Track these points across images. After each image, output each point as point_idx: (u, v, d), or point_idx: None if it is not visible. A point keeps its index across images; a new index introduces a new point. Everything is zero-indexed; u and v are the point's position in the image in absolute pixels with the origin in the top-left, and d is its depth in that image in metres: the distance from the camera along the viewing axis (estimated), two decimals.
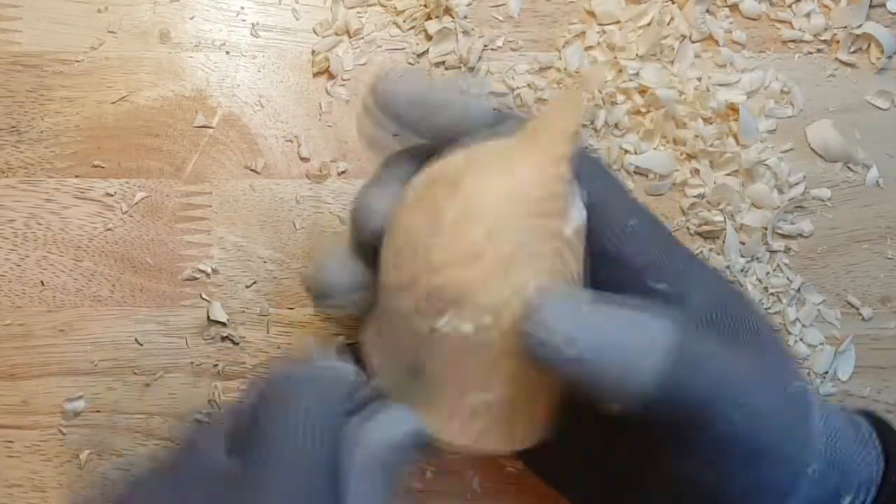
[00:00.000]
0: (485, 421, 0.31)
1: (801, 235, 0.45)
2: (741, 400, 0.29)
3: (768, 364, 0.31)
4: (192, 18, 0.45)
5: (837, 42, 0.46)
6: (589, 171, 0.32)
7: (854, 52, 0.46)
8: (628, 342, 0.28)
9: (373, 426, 0.30)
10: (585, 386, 0.28)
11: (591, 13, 0.46)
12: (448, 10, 0.45)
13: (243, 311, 0.43)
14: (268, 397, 0.29)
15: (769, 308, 0.44)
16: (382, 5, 0.45)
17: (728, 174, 0.44)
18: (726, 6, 0.46)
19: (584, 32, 0.45)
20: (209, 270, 0.43)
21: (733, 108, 0.44)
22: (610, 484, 0.33)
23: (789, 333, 0.44)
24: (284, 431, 0.28)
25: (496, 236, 0.29)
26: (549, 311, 0.28)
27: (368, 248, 0.33)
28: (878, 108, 0.46)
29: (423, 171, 0.32)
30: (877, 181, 0.45)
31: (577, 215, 0.31)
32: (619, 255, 0.32)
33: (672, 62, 0.45)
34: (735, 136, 0.44)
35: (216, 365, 0.43)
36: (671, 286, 0.31)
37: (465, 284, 0.29)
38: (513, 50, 0.45)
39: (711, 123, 0.44)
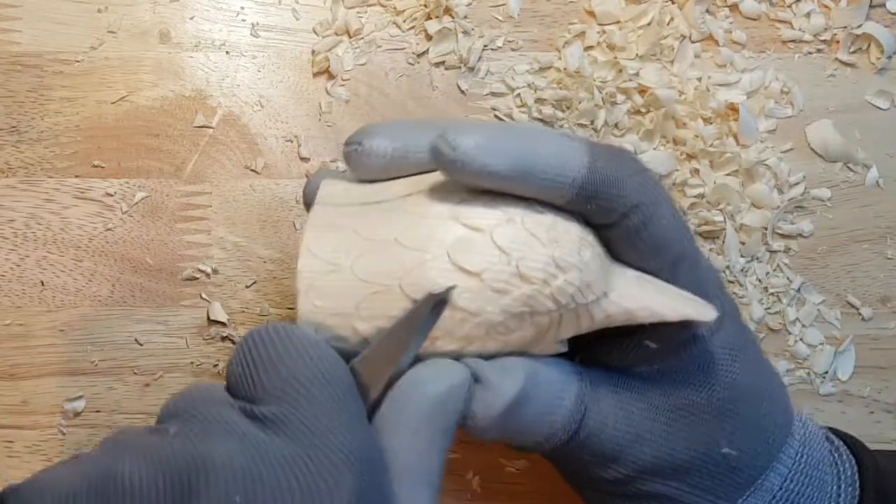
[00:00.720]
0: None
1: (801, 235, 0.45)
2: (632, 458, 0.32)
3: (700, 431, 0.33)
4: (192, 18, 0.45)
5: (837, 42, 0.46)
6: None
7: (854, 52, 0.46)
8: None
9: (417, 377, 0.29)
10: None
11: (591, 13, 0.46)
12: (448, 10, 0.45)
13: (243, 311, 0.43)
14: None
15: (769, 308, 0.44)
16: (382, 5, 0.45)
17: (728, 174, 0.44)
18: (726, 6, 0.46)
19: (584, 32, 0.45)
20: (209, 270, 0.43)
21: (733, 108, 0.44)
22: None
23: (789, 333, 0.44)
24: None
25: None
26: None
27: None
28: (877, 108, 0.46)
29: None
30: (877, 181, 0.45)
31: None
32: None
33: (672, 62, 0.45)
34: (735, 136, 0.44)
35: (216, 365, 0.43)
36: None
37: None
38: (513, 50, 0.45)
39: (711, 123, 0.44)
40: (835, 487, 0.34)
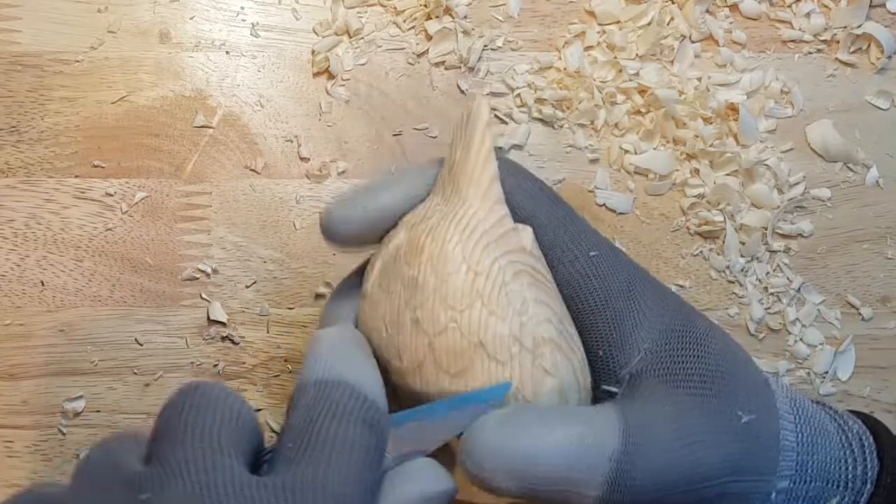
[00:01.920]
0: None
1: (800, 235, 0.45)
2: (688, 472, 0.29)
3: (718, 406, 0.31)
4: (192, 18, 0.45)
5: (837, 42, 0.46)
6: (528, 196, 0.33)
7: (854, 52, 0.46)
8: (563, 473, 0.28)
9: (408, 474, 0.28)
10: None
11: (591, 13, 0.46)
12: (448, 10, 0.45)
13: (243, 311, 0.43)
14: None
15: (769, 308, 0.44)
16: (382, 5, 0.45)
17: (728, 174, 0.44)
18: (726, 6, 0.46)
19: (584, 32, 0.45)
20: (209, 270, 0.43)
21: (733, 108, 0.44)
22: None
23: (789, 333, 0.44)
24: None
25: (477, 275, 0.30)
26: (487, 442, 0.28)
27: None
28: (878, 107, 0.46)
29: (376, 261, 0.33)
30: (877, 181, 0.45)
31: (527, 230, 0.32)
32: (581, 289, 0.32)
33: (672, 62, 0.45)
34: (735, 136, 0.44)
35: (216, 365, 0.43)
36: (621, 324, 0.32)
37: (476, 328, 0.30)
38: (513, 50, 0.45)
39: (711, 123, 0.44)
40: (843, 438, 0.33)
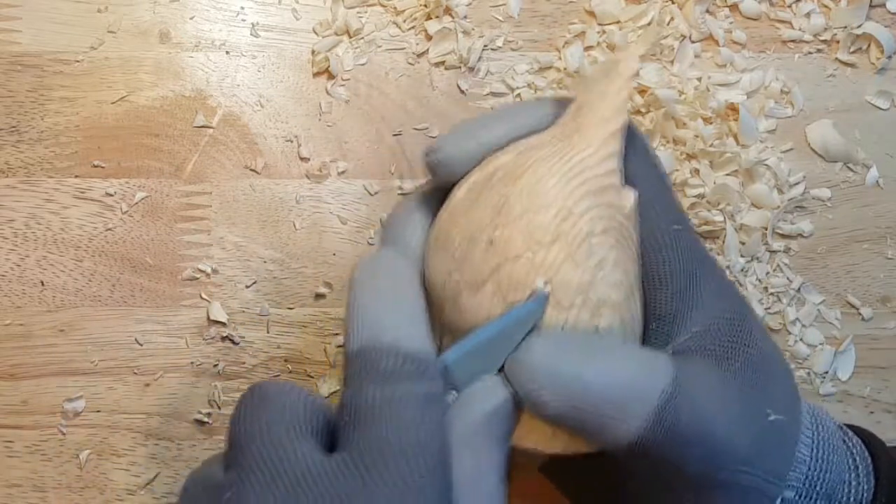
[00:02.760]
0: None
1: (800, 235, 0.45)
2: (718, 442, 0.30)
3: (752, 397, 0.31)
4: (192, 18, 0.45)
5: (837, 42, 0.46)
6: (638, 161, 0.33)
7: (854, 52, 0.46)
8: (613, 395, 0.28)
9: (467, 398, 0.29)
10: (570, 429, 0.29)
11: (591, 13, 0.46)
12: (448, 10, 0.45)
13: (243, 311, 0.43)
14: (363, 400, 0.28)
15: (769, 308, 0.44)
16: (382, 5, 0.45)
17: (728, 174, 0.44)
18: (726, 6, 0.46)
19: (583, 32, 0.45)
20: (209, 270, 0.43)
21: (733, 108, 0.44)
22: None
23: (789, 333, 0.44)
24: (393, 425, 0.27)
25: (567, 217, 0.30)
26: (537, 359, 0.29)
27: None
28: (877, 107, 0.46)
29: (472, 174, 0.32)
30: (877, 181, 0.45)
31: (631, 192, 0.32)
32: (652, 258, 0.32)
33: (672, 62, 0.45)
34: (735, 136, 0.44)
35: (216, 365, 0.43)
36: (680, 301, 0.32)
37: (549, 267, 0.29)
38: (513, 50, 0.45)
39: (711, 123, 0.44)
40: (850, 460, 0.33)
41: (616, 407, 0.28)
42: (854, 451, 0.34)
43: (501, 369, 0.30)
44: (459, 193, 0.32)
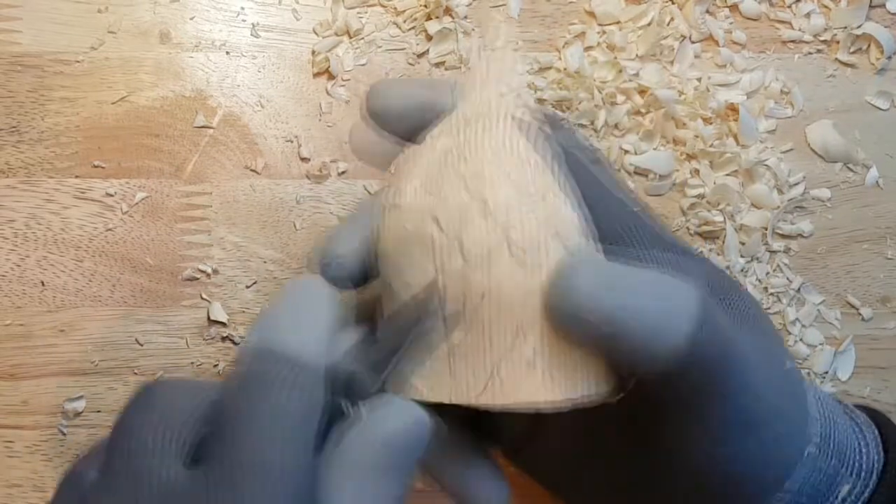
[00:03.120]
0: (542, 368, 0.29)
1: (800, 235, 0.45)
2: (750, 371, 0.29)
3: (765, 342, 0.31)
4: (192, 19, 0.45)
5: (837, 42, 0.46)
6: (577, 167, 0.32)
7: (854, 52, 0.46)
8: (655, 307, 0.27)
9: (367, 416, 0.26)
10: (616, 349, 0.27)
11: (591, 13, 0.46)
12: (448, 11, 0.45)
13: (243, 312, 0.43)
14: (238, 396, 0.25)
15: (769, 308, 0.44)
16: (382, 6, 0.45)
17: (728, 174, 0.44)
18: (726, 6, 0.46)
19: (583, 33, 0.45)
20: (209, 271, 0.43)
21: (733, 109, 0.45)
22: (613, 483, 0.33)
23: (789, 333, 0.44)
24: (254, 444, 0.24)
25: (545, 164, 0.30)
26: (579, 276, 0.27)
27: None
28: (877, 108, 0.46)
29: (400, 185, 0.32)
30: (876, 181, 0.45)
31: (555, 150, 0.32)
32: (620, 237, 0.32)
33: (672, 62, 0.45)
34: (735, 137, 0.45)
35: (216, 365, 0.43)
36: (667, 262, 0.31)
37: (552, 215, 0.29)
38: (513, 50, 0.45)
39: (711, 124, 0.45)
40: (853, 425, 0.33)
41: (658, 325, 0.27)
42: (856, 418, 0.34)
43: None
44: (407, 194, 0.31)
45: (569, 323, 0.27)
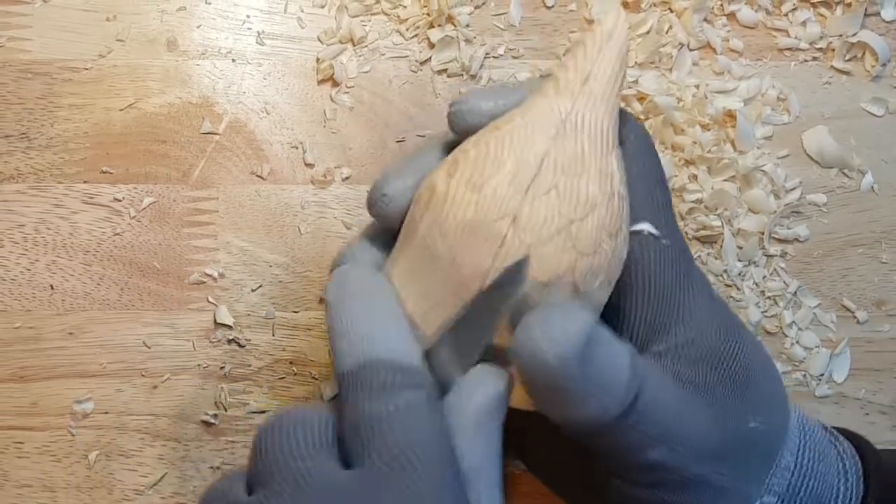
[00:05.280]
0: None
1: (797, 240, 0.45)
2: (680, 439, 0.30)
3: (730, 404, 0.32)
4: (198, 27, 0.46)
5: (833, 50, 0.47)
6: (635, 150, 0.34)
7: (849, 59, 0.47)
8: (600, 377, 0.29)
9: (465, 391, 0.30)
10: (552, 406, 0.30)
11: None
12: (450, 19, 0.46)
13: (249, 315, 0.44)
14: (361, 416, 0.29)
15: (766, 311, 0.44)
16: (386, 14, 0.46)
17: (725, 180, 0.45)
18: (724, 15, 0.47)
19: None
20: (216, 274, 0.44)
21: (731, 115, 0.45)
22: (588, 485, 0.34)
23: (786, 336, 0.44)
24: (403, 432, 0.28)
25: (560, 170, 0.30)
26: (544, 329, 0.29)
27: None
28: (872, 114, 0.46)
29: (443, 174, 0.32)
30: (871, 187, 0.46)
31: (619, 164, 0.32)
32: (637, 270, 0.33)
33: (670, 70, 0.46)
34: (732, 143, 0.45)
35: (223, 367, 0.43)
36: (659, 314, 0.32)
37: (546, 217, 0.30)
38: (514, 58, 0.46)
39: (709, 130, 0.45)
40: (840, 465, 0.34)
41: (603, 388, 0.29)
42: (844, 457, 0.35)
43: (485, 357, 0.31)
44: (454, 181, 0.31)
45: (527, 369, 0.29)
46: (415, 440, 0.27)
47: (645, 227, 0.33)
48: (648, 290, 0.32)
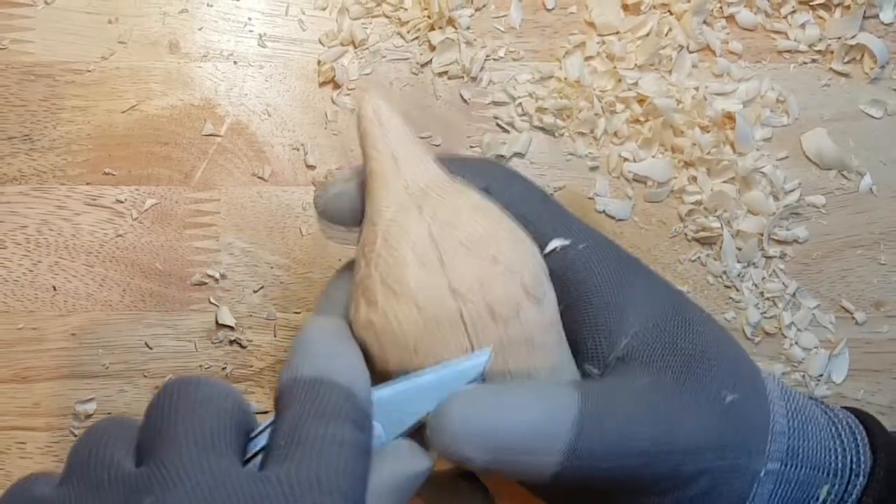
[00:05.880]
0: None
1: (796, 241, 0.45)
2: (654, 446, 0.30)
3: (697, 385, 0.32)
4: (200, 29, 0.46)
5: (831, 52, 0.47)
6: (507, 187, 0.34)
7: (848, 62, 0.47)
8: (526, 439, 0.29)
9: (391, 456, 0.29)
10: (501, 472, 0.30)
11: (591, 24, 0.47)
12: (451, 21, 0.46)
13: (251, 316, 0.44)
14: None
15: (765, 312, 0.45)
16: (387, 16, 0.46)
17: (725, 181, 0.45)
18: (723, 17, 0.47)
19: (584, 43, 0.46)
20: (217, 276, 0.44)
21: (730, 117, 0.45)
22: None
23: (785, 337, 0.45)
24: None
25: (448, 226, 0.31)
26: (453, 421, 0.29)
27: None
28: (871, 116, 0.47)
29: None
30: (870, 188, 0.46)
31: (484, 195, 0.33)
32: (570, 279, 0.33)
33: (670, 72, 0.46)
34: (732, 145, 0.45)
35: (224, 368, 0.43)
36: (608, 313, 0.32)
37: (520, 277, 0.31)
38: (514, 60, 0.46)
39: (708, 132, 0.45)
40: (832, 429, 0.34)
41: (532, 449, 0.29)
42: (837, 422, 0.35)
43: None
44: (406, 274, 0.31)
45: (450, 459, 0.30)
46: (337, 479, 0.26)
47: (555, 243, 0.33)
48: (588, 297, 0.32)
